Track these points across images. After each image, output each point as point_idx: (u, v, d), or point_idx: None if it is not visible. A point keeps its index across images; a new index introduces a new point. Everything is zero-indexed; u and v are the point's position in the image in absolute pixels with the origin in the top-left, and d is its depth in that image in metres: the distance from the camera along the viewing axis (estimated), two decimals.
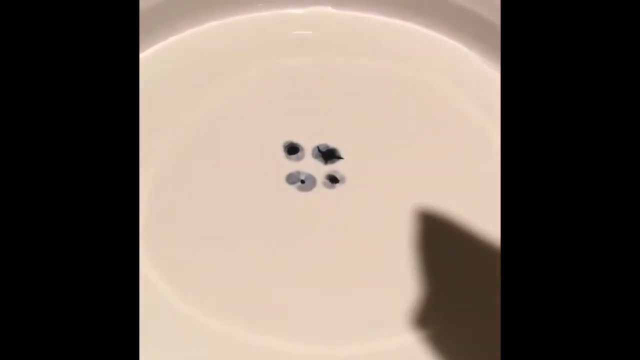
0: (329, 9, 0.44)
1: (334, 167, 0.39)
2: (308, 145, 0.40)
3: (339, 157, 0.40)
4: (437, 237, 0.37)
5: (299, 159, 0.40)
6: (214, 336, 0.33)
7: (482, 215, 0.37)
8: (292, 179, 0.39)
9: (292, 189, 0.39)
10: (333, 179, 0.39)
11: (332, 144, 0.40)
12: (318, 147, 0.40)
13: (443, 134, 0.41)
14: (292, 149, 0.40)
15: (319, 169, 0.39)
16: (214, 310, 0.34)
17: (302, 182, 0.39)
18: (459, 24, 0.44)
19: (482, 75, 0.43)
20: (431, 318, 0.34)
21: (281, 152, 0.40)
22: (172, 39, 0.45)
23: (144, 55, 0.44)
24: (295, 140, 0.40)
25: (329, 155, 0.40)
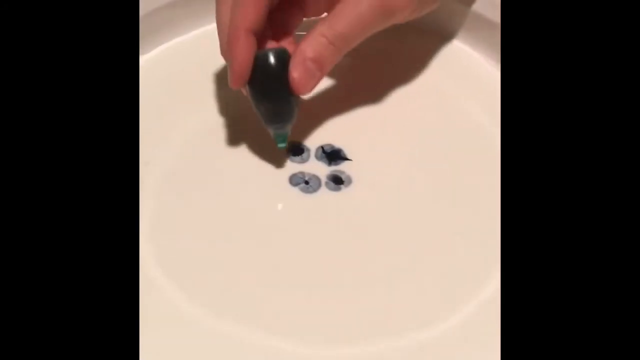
0: None
1: (338, 168, 0.39)
2: (312, 146, 0.40)
3: (345, 158, 0.40)
4: (440, 236, 0.37)
5: (303, 160, 0.40)
6: (216, 336, 0.33)
7: (486, 214, 0.37)
8: (296, 180, 0.39)
9: (296, 191, 0.38)
10: (337, 180, 0.39)
11: (336, 145, 0.40)
12: (322, 147, 0.40)
13: (447, 134, 0.41)
14: (296, 150, 0.40)
15: (324, 170, 0.39)
16: (215, 310, 0.34)
17: (306, 183, 0.39)
18: (463, 25, 0.44)
19: (485, 75, 0.43)
20: (435, 320, 0.34)
21: (285, 153, 0.40)
22: (177, 40, 0.45)
23: (148, 56, 0.44)
24: (299, 141, 0.40)
25: (333, 156, 0.40)
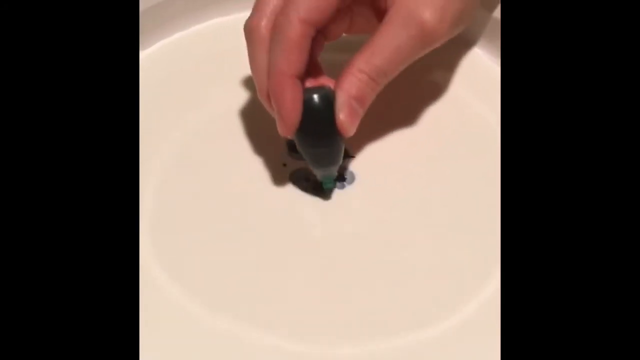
0: None
1: (341, 166, 0.39)
2: None
3: (348, 156, 0.39)
4: (441, 236, 0.37)
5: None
6: (216, 335, 0.33)
7: (487, 214, 0.37)
8: (296, 178, 0.39)
9: (296, 189, 0.38)
10: (340, 178, 0.39)
11: None
12: None
13: (448, 132, 0.40)
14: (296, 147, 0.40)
15: None
16: (215, 309, 0.34)
17: (307, 180, 0.39)
18: None
19: (486, 71, 0.43)
20: (435, 320, 0.34)
21: (285, 150, 0.39)
22: (177, 35, 0.45)
23: (148, 51, 0.44)
24: None
25: None
